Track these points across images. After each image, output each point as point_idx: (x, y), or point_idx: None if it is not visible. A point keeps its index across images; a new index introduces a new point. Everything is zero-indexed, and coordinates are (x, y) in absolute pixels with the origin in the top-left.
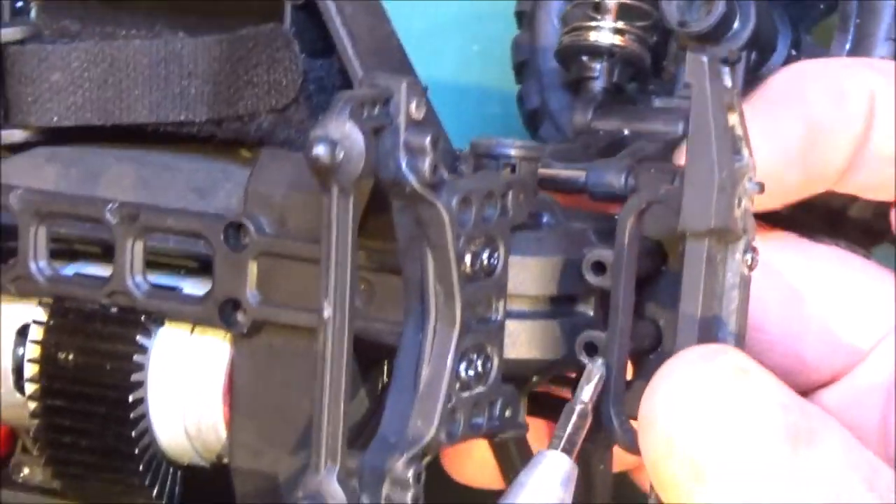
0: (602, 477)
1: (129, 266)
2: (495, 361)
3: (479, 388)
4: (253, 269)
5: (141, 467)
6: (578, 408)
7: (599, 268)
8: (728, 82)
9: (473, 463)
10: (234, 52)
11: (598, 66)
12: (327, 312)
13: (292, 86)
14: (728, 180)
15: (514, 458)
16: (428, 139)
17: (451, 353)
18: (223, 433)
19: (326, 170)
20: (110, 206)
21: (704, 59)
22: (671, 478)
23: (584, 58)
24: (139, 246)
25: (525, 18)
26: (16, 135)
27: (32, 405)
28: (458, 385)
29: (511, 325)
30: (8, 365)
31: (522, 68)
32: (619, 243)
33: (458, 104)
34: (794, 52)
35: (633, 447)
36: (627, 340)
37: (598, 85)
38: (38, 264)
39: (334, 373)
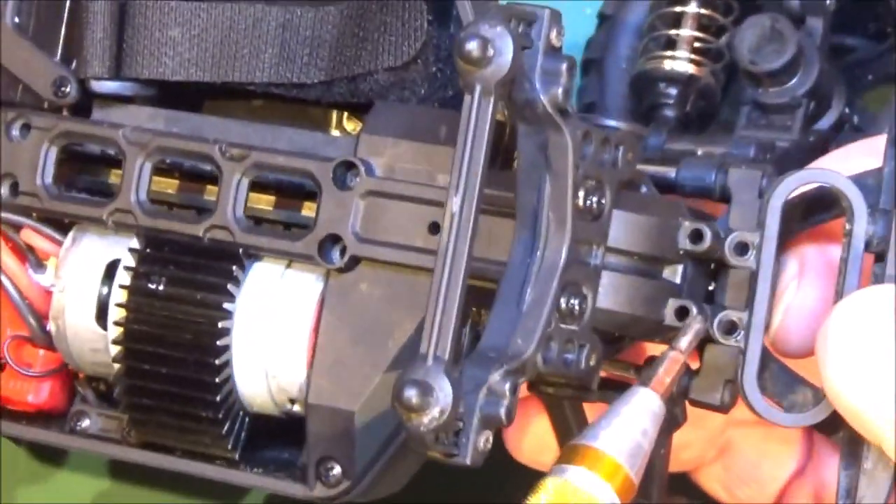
0: (660, 462)
1: (233, 201)
2: (589, 304)
3: (573, 326)
4: (359, 206)
5: (218, 398)
6: (672, 353)
7: (697, 236)
8: None
9: (533, 441)
10: (357, 16)
11: (673, 93)
12: (455, 206)
13: (413, 46)
14: None
15: (571, 426)
16: (564, 65)
17: (556, 279)
18: (302, 373)
19: (475, 65)
20: (220, 144)
21: None
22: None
23: (661, 84)
24: (245, 182)
25: (605, 21)
26: (123, 87)
27: (117, 331)
28: (557, 314)
29: (605, 276)
30: (93, 299)
31: (589, 66)
32: (768, 217)
33: None
34: (846, 111)
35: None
36: (768, 317)
37: (671, 112)
38: (140, 197)
39: (454, 267)
